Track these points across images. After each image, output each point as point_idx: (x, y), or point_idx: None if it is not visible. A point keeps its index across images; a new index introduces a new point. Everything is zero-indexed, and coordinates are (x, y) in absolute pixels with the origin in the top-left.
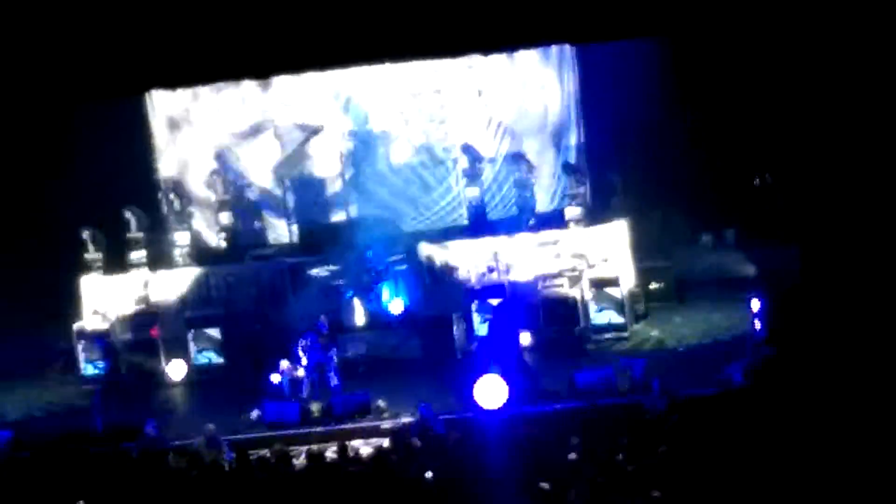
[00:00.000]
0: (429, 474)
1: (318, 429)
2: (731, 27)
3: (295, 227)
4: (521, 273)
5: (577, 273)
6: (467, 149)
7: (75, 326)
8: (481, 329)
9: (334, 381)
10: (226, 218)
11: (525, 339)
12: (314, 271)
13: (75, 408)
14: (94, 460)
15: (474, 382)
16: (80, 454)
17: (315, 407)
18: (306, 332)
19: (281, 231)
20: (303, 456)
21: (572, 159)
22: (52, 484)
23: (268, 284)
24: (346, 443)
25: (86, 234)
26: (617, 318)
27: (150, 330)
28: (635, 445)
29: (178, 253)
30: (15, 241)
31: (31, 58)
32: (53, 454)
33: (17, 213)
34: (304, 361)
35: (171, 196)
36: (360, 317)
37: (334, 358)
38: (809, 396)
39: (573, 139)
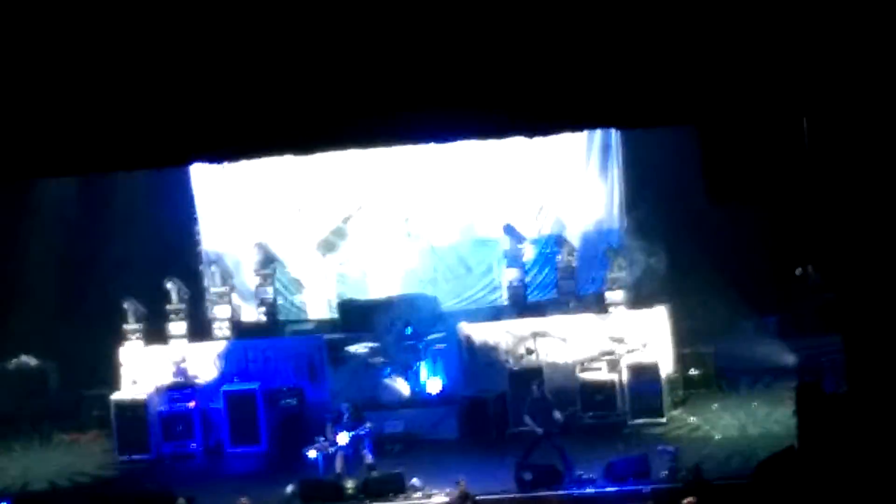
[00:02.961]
0: None
1: None
2: (775, 116)
3: (335, 303)
4: (560, 356)
5: (616, 357)
6: (509, 230)
7: (113, 396)
8: None
9: (369, 458)
10: (266, 292)
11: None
12: (353, 348)
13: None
14: None
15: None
16: None
17: (349, 483)
18: (333, 413)
19: (321, 306)
20: None
21: (615, 243)
22: None
23: (306, 359)
24: None
25: (126, 304)
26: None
27: (188, 402)
28: None
29: (218, 325)
30: (57, 310)
31: (74, 126)
32: None
33: (61, 282)
34: (337, 439)
35: (213, 268)
36: (398, 394)
37: (369, 435)
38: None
39: (616, 223)
